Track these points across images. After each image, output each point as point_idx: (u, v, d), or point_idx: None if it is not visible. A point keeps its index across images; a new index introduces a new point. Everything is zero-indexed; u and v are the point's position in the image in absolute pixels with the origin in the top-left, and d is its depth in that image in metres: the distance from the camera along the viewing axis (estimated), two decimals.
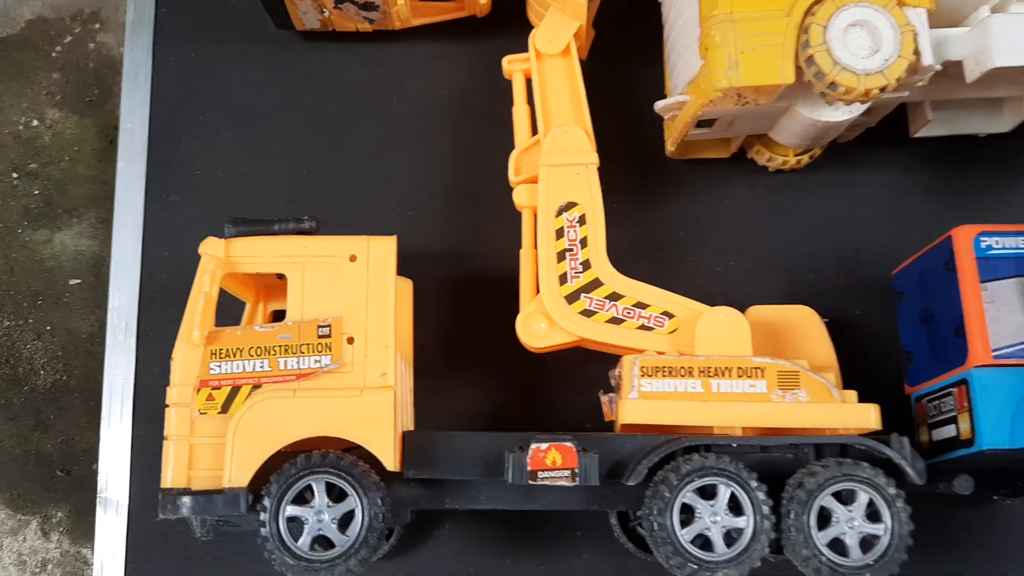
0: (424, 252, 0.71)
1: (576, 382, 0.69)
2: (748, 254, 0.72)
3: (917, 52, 0.57)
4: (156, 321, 0.72)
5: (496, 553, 0.68)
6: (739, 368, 0.59)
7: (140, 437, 0.70)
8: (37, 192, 0.78)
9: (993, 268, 0.58)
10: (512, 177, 0.66)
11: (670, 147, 0.71)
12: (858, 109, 0.61)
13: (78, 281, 0.79)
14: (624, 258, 0.64)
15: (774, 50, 0.57)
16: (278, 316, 0.62)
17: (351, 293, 0.58)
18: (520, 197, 0.65)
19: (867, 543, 0.55)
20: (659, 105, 0.66)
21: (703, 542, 0.55)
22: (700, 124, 0.65)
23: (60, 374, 0.81)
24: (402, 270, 0.63)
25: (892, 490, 0.55)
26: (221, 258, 0.58)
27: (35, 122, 0.77)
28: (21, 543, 0.82)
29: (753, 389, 0.58)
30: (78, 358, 0.81)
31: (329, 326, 0.57)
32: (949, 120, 0.70)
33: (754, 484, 0.55)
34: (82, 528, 0.82)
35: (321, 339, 0.57)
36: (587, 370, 0.68)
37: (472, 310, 0.71)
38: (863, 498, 0.55)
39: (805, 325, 0.64)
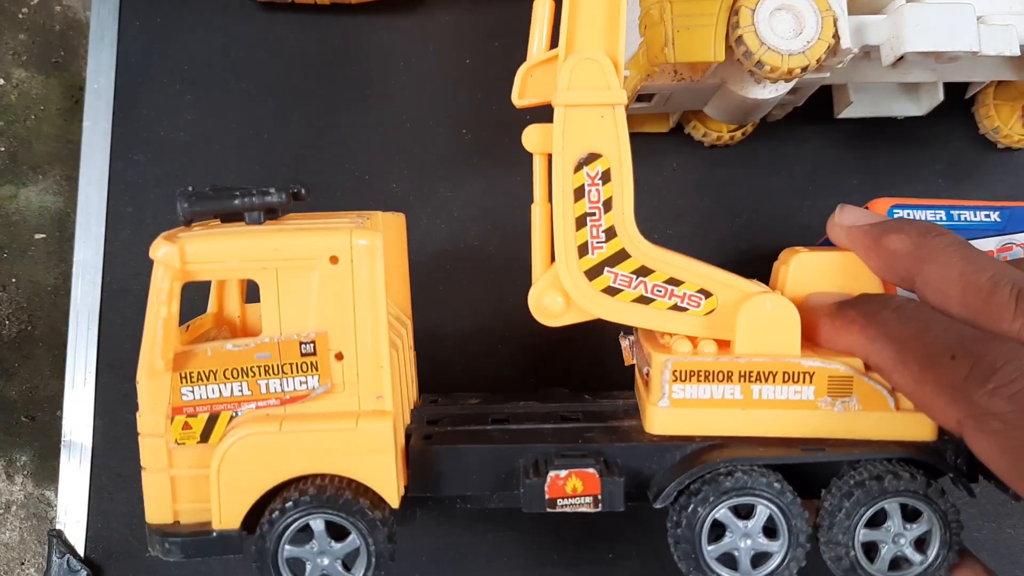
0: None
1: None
2: (683, 223, 0.76)
3: (837, 35, 0.61)
4: (120, 274, 0.74)
5: None
6: (785, 372, 0.51)
7: (104, 384, 0.73)
8: (3, 149, 0.80)
9: None
10: (515, 98, 0.55)
11: None
12: (784, 87, 0.65)
13: (43, 235, 0.82)
14: None
15: (707, 30, 0.61)
16: (253, 287, 0.55)
17: (335, 302, 0.49)
18: (531, 141, 0.54)
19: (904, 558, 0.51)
20: None
21: (728, 559, 0.51)
22: (640, 99, 0.69)
23: (25, 324, 0.83)
24: None
25: (945, 504, 0.50)
26: (178, 268, 0.49)
27: (1, 80, 0.80)
28: None
29: (799, 396, 0.51)
30: (42, 309, 0.83)
31: (313, 342, 0.50)
32: (870, 103, 0.74)
33: (796, 511, 0.50)
34: (45, 471, 0.85)
35: (305, 357, 0.50)
36: None
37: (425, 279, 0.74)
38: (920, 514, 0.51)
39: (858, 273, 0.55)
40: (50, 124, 0.81)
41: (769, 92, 0.65)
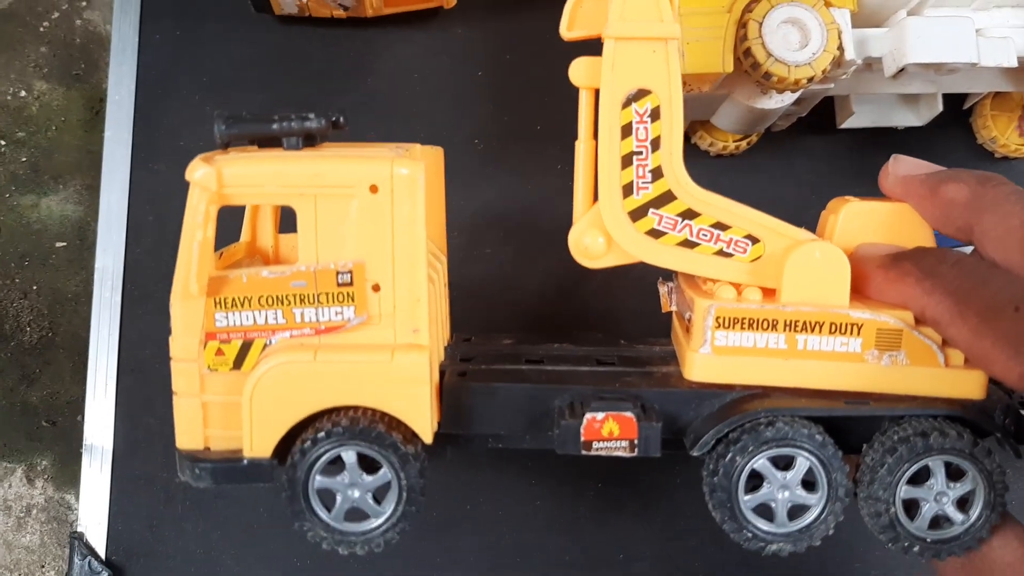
0: None
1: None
2: None
3: (841, 47, 0.63)
4: (141, 280, 0.76)
5: None
6: (832, 323, 0.50)
7: (125, 388, 0.74)
8: (24, 159, 0.82)
9: None
10: (564, 31, 0.53)
11: None
12: (789, 98, 0.67)
13: (63, 244, 0.83)
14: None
15: (716, 42, 0.63)
16: (286, 218, 0.54)
17: (374, 232, 0.48)
18: (578, 74, 0.52)
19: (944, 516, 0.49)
20: None
21: (764, 510, 0.50)
22: None
23: (45, 331, 0.84)
24: None
25: (991, 464, 0.48)
26: (215, 190, 0.47)
27: (23, 92, 0.81)
28: (7, 489, 0.85)
29: (845, 348, 0.50)
30: (63, 316, 0.84)
31: (350, 272, 0.48)
32: (871, 113, 0.76)
33: (837, 464, 0.49)
34: (65, 475, 0.86)
35: (342, 287, 0.48)
36: None
37: None
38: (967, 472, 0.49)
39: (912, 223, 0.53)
40: (71, 135, 0.83)
41: (775, 102, 0.67)
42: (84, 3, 0.84)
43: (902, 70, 0.66)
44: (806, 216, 0.77)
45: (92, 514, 0.73)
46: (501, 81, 0.79)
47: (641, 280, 0.77)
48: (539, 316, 0.76)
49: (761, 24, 0.62)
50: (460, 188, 0.77)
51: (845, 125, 0.76)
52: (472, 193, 0.77)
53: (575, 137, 0.57)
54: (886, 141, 0.78)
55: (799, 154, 0.79)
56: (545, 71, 0.79)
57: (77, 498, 0.73)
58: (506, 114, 0.78)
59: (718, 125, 0.73)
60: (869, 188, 0.78)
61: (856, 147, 0.79)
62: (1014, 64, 0.65)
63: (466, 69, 0.78)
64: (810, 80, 0.63)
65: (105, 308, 0.75)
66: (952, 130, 0.78)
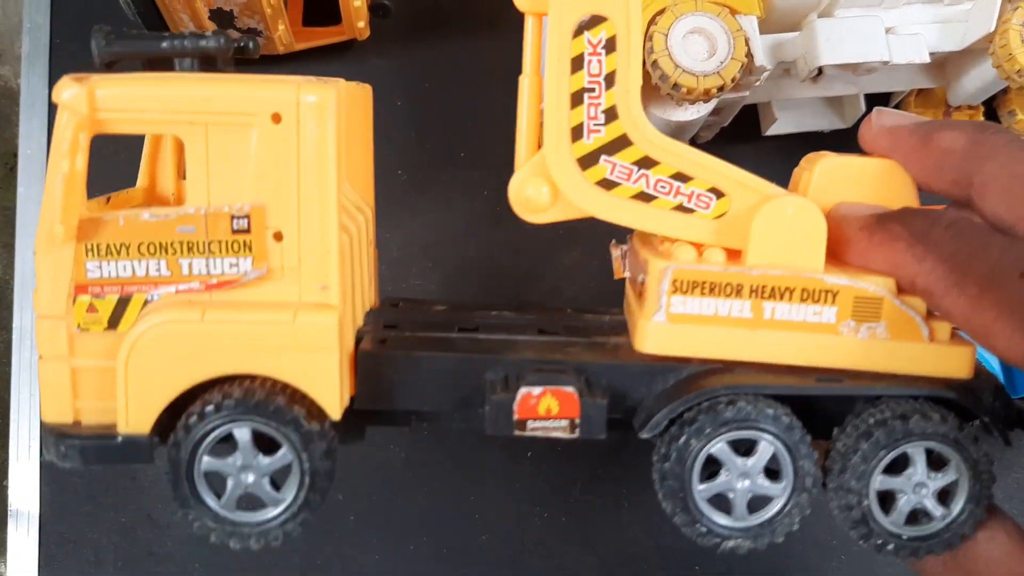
0: None
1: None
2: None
3: (749, 54, 0.62)
4: None
5: None
6: (804, 290, 0.44)
7: None
8: None
9: None
10: None
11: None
12: (705, 108, 0.66)
13: None
14: (501, 248, 0.68)
15: None
16: None
17: (276, 170, 0.41)
18: None
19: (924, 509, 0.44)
20: None
21: (721, 501, 0.44)
22: None
23: None
24: None
25: (978, 452, 0.43)
26: (84, 114, 0.40)
27: None
28: None
29: (818, 318, 0.44)
30: None
31: (247, 217, 0.41)
32: (795, 119, 0.75)
33: (804, 450, 0.43)
34: None
35: (237, 235, 0.42)
36: None
37: None
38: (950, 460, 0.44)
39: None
40: None
41: (691, 114, 0.67)
42: None
43: (820, 73, 0.65)
44: None
45: None
46: (421, 110, 0.78)
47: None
48: None
49: (667, 35, 0.62)
50: (384, 220, 0.76)
51: (770, 132, 0.75)
52: (397, 224, 0.75)
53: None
54: (814, 145, 0.76)
55: None
56: (465, 97, 0.78)
57: (6, 565, 0.70)
58: (428, 142, 0.77)
59: None
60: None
61: (784, 153, 0.78)
62: (926, 60, 0.64)
63: (384, 100, 0.76)
64: (720, 89, 0.62)
65: (25, 368, 0.73)
66: None
